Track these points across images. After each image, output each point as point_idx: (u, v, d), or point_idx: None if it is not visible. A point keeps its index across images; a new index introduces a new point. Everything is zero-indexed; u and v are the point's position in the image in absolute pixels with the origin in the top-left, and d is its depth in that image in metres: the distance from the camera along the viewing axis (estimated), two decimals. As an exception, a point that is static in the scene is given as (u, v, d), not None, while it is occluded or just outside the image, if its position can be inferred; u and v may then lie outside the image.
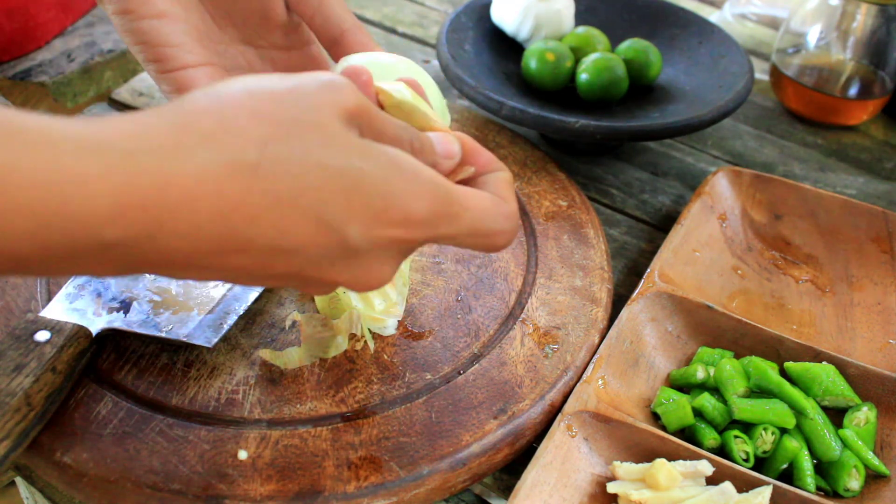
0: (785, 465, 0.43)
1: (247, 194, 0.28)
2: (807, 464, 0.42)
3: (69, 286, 0.46)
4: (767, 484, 0.40)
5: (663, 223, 0.62)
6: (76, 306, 0.44)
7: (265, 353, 0.44)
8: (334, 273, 0.31)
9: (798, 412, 0.43)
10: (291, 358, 0.44)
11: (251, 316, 0.47)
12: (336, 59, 0.44)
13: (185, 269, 0.29)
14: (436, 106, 0.41)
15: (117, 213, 0.26)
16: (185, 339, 0.44)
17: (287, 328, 0.46)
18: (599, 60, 0.65)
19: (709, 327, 0.49)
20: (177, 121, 0.28)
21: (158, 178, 0.26)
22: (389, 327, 0.47)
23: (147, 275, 0.47)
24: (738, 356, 0.48)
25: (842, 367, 0.46)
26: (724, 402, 0.45)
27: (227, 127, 0.28)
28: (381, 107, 0.37)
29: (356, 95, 0.31)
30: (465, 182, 0.36)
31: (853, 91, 0.72)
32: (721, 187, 0.59)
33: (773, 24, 0.91)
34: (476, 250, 0.36)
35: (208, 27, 0.43)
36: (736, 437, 0.43)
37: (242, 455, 0.39)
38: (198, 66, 0.41)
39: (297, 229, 0.29)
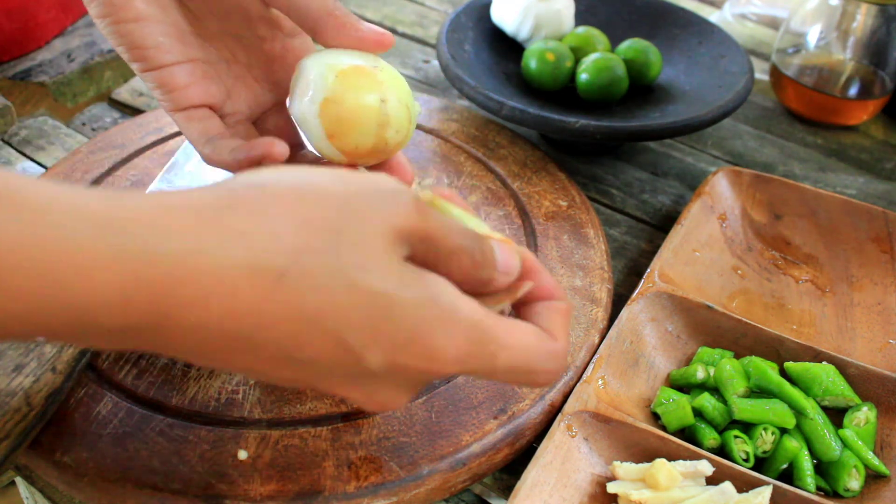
0: (785, 465, 0.43)
1: (264, 301, 0.26)
2: (807, 464, 0.42)
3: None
4: (767, 484, 0.40)
5: (663, 223, 0.62)
6: (76, 306, 0.44)
7: None
8: (345, 389, 0.30)
9: (798, 412, 0.43)
10: None
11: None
12: (324, 44, 0.43)
13: (190, 358, 0.28)
14: (403, 100, 0.41)
15: (122, 306, 0.25)
16: (185, 339, 0.44)
17: None
18: (599, 60, 0.65)
19: (709, 327, 0.49)
20: (209, 212, 0.26)
21: (174, 272, 0.25)
22: None
23: None
24: (738, 356, 0.48)
25: (842, 367, 0.46)
26: (724, 402, 0.45)
27: (263, 229, 0.26)
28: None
29: (416, 212, 0.29)
30: (519, 304, 0.34)
31: (853, 91, 0.72)
32: (721, 187, 0.59)
33: (773, 24, 0.91)
34: (514, 385, 0.34)
35: (188, 24, 0.43)
36: (736, 437, 0.43)
37: (242, 455, 0.39)
38: (175, 64, 0.41)
39: (313, 345, 0.28)
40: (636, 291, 0.50)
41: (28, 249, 0.23)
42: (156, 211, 0.25)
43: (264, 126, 0.45)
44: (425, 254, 0.30)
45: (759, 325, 0.48)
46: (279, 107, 0.46)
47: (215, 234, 0.26)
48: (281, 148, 0.39)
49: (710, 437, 0.43)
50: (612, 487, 0.41)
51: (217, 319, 0.26)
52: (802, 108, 0.74)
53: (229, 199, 0.27)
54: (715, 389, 0.46)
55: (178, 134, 0.61)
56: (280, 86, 0.46)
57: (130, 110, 0.69)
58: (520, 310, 0.35)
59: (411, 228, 0.29)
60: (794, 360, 0.47)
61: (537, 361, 0.32)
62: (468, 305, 0.30)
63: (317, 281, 0.27)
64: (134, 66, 0.41)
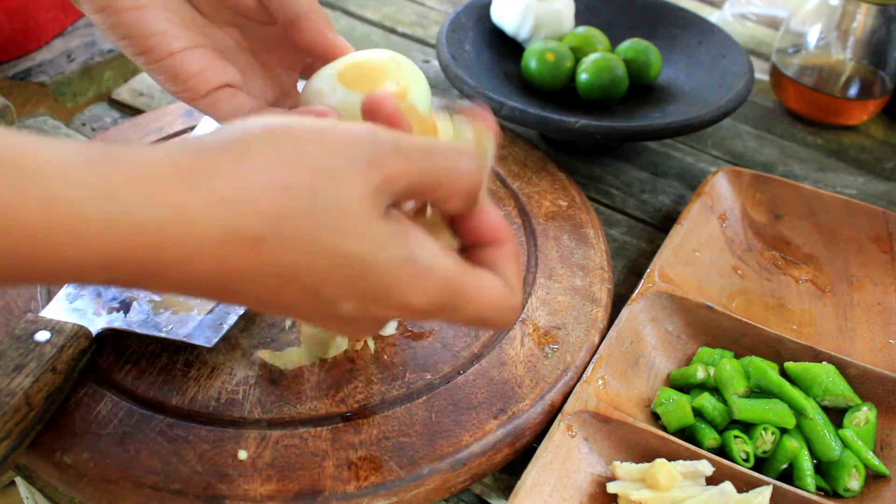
0: (785, 465, 0.43)
1: (244, 263, 0.28)
2: (807, 464, 0.42)
3: (69, 286, 0.46)
4: (767, 484, 0.40)
5: (663, 223, 0.62)
6: (76, 306, 0.44)
7: (265, 354, 0.44)
8: (321, 323, 0.35)
9: (798, 412, 0.43)
10: (291, 358, 0.44)
11: (251, 316, 0.47)
12: (297, 42, 0.42)
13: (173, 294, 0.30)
14: (423, 101, 0.41)
15: (109, 267, 0.26)
16: (185, 339, 0.44)
17: (287, 328, 0.46)
18: (599, 60, 0.65)
19: (709, 327, 0.49)
20: (193, 179, 0.27)
21: (158, 238, 0.26)
22: (389, 327, 0.47)
23: None
24: (738, 356, 0.48)
25: (842, 367, 0.46)
26: (724, 402, 0.45)
27: (243, 195, 0.27)
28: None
29: (394, 159, 0.30)
30: (472, 247, 0.35)
31: (853, 91, 0.72)
32: (721, 187, 0.59)
33: (773, 24, 0.91)
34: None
35: (190, 11, 0.42)
36: (736, 437, 0.43)
37: (242, 455, 0.39)
38: (186, 49, 0.40)
39: (291, 296, 0.29)
40: (636, 291, 0.50)
41: (21, 215, 0.24)
42: (143, 180, 0.26)
43: None
44: (408, 193, 0.31)
45: (759, 325, 0.48)
46: (282, 100, 0.46)
47: (198, 201, 0.27)
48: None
49: (710, 437, 0.43)
50: (612, 487, 0.41)
51: (198, 277, 0.28)
52: (802, 108, 0.74)
53: (212, 163, 0.28)
54: (715, 389, 0.46)
55: (178, 133, 0.61)
56: (281, 78, 0.46)
57: (130, 110, 0.69)
58: (473, 254, 0.35)
59: (391, 177, 0.30)
60: (794, 360, 0.47)
61: (497, 315, 0.34)
62: (443, 263, 0.31)
63: (294, 245, 0.28)
64: (140, 61, 0.40)
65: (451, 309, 0.32)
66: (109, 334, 0.44)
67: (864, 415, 0.45)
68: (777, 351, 0.48)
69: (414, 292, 0.30)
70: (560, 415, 0.42)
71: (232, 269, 0.28)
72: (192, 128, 0.61)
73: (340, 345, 0.45)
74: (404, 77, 0.40)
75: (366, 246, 0.29)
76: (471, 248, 0.35)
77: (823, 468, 0.43)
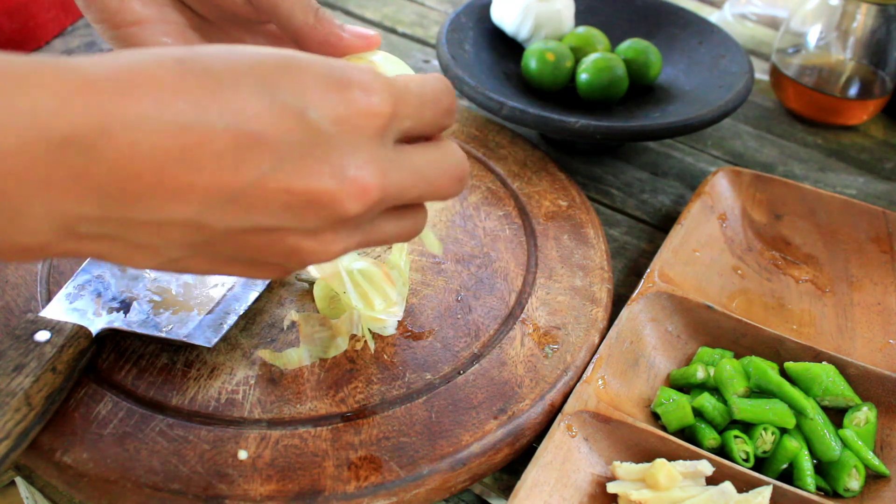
0: (785, 465, 0.43)
1: (181, 80, 0.26)
2: (807, 464, 0.42)
3: (69, 286, 0.46)
4: (767, 484, 0.40)
5: (663, 223, 0.62)
6: (76, 306, 0.44)
7: (265, 354, 0.44)
8: (312, 173, 0.28)
9: (798, 412, 0.43)
10: (291, 359, 0.44)
11: (251, 316, 0.47)
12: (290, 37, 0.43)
13: (148, 193, 0.26)
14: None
15: (64, 105, 0.25)
16: (185, 339, 0.44)
17: (286, 328, 0.46)
18: (599, 60, 0.65)
19: (709, 327, 0.49)
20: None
21: (94, 72, 0.26)
22: (389, 327, 0.47)
23: (147, 275, 0.47)
24: (738, 356, 0.48)
25: (842, 367, 0.46)
26: (724, 402, 0.45)
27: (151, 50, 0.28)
28: None
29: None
30: None
31: (853, 91, 0.72)
32: (721, 187, 0.59)
33: (773, 24, 0.91)
34: (440, 126, 0.33)
35: (188, 19, 0.42)
36: (736, 437, 0.43)
37: (242, 455, 0.39)
38: None
39: (251, 109, 0.27)
40: (636, 291, 0.50)
41: None
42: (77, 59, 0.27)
43: None
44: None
45: (759, 325, 0.48)
46: None
47: (118, 54, 0.27)
48: None
49: (710, 437, 0.43)
50: (612, 487, 0.41)
51: (154, 110, 0.26)
52: (802, 108, 0.74)
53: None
54: (715, 389, 0.46)
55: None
56: None
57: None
58: None
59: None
60: (794, 360, 0.47)
61: (437, 81, 0.33)
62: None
63: (216, 55, 0.28)
64: None
65: (401, 90, 0.31)
66: (109, 334, 0.44)
67: (864, 415, 0.45)
68: (777, 351, 0.48)
69: (353, 69, 0.29)
70: (560, 415, 0.42)
71: (176, 89, 0.26)
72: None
73: (340, 345, 0.45)
74: None
75: (281, 52, 0.29)
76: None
77: (823, 468, 0.43)
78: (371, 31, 0.42)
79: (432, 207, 0.56)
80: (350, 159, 0.29)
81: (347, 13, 0.89)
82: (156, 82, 0.26)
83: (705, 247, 0.56)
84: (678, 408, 0.44)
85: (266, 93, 0.27)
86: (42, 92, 0.25)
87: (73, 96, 0.25)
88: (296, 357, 0.44)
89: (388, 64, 0.42)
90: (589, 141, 0.67)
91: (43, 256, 0.28)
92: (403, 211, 0.34)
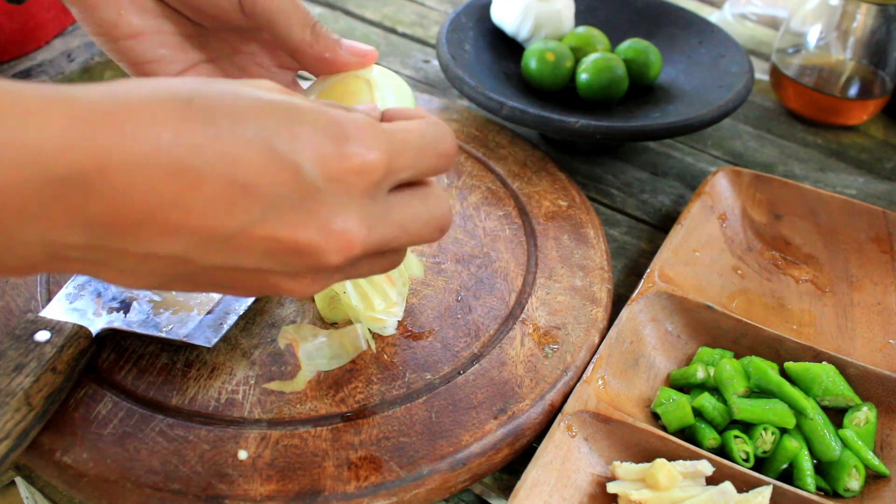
0: (785, 465, 0.43)
1: (183, 121, 0.26)
2: (807, 464, 0.42)
3: (69, 286, 0.46)
4: (767, 484, 0.40)
5: (663, 223, 0.62)
6: (76, 306, 0.44)
7: (274, 385, 0.43)
8: (299, 224, 0.28)
9: (798, 412, 0.43)
10: (298, 383, 0.43)
11: (251, 316, 0.47)
12: (306, 70, 0.44)
13: (140, 227, 0.26)
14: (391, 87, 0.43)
15: (68, 142, 0.25)
16: (185, 339, 0.44)
17: (283, 348, 0.45)
18: (599, 60, 0.65)
19: (709, 327, 0.49)
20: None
21: (100, 107, 0.25)
22: (389, 327, 0.47)
23: None
24: (738, 356, 0.48)
25: (842, 367, 0.46)
26: (724, 402, 0.45)
27: (159, 82, 0.28)
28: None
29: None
30: None
31: (853, 91, 0.72)
32: (721, 187, 0.59)
33: (773, 24, 0.91)
34: (437, 170, 0.33)
35: (184, 32, 0.43)
36: (736, 437, 0.43)
37: (242, 455, 0.39)
38: (181, 73, 0.42)
39: (246, 158, 0.27)
40: (636, 291, 0.50)
41: None
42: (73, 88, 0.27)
43: None
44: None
45: (759, 325, 0.48)
46: None
47: (122, 86, 0.27)
48: None
49: (710, 437, 0.43)
50: (612, 487, 0.41)
51: (152, 150, 0.26)
52: (802, 108, 0.74)
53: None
54: (715, 389, 0.46)
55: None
56: (276, 77, 0.47)
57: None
58: None
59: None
60: (794, 360, 0.47)
61: (437, 130, 0.33)
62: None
63: (222, 100, 0.27)
64: (134, 76, 0.42)
65: (399, 141, 0.31)
66: (109, 334, 0.44)
67: (864, 415, 0.45)
68: (777, 351, 0.48)
69: (352, 124, 0.29)
70: (560, 415, 0.42)
71: (176, 131, 0.26)
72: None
73: (343, 356, 0.44)
74: (377, 99, 0.41)
75: (292, 97, 0.29)
76: None
77: (823, 468, 0.43)
78: (368, 47, 0.42)
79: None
80: (338, 215, 0.29)
81: (347, 13, 0.89)
82: (158, 122, 0.26)
83: (705, 247, 0.56)
84: (678, 408, 0.44)
85: (264, 142, 0.27)
86: (48, 129, 0.25)
87: (77, 134, 0.25)
88: (302, 380, 0.43)
89: (385, 79, 0.42)
90: (589, 141, 0.67)
91: (28, 274, 0.28)
92: (383, 253, 0.34)
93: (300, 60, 0.42)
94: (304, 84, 0.45)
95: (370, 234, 0.30)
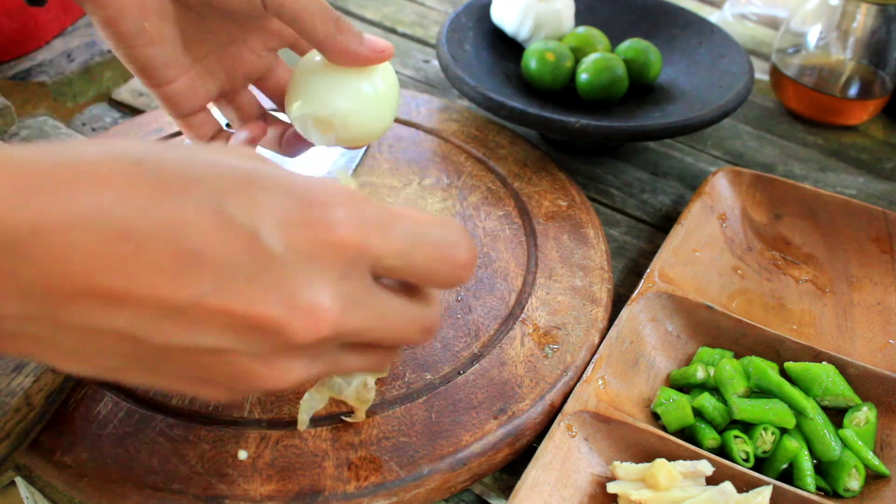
0: (785, 465, 0.43)
1: (131, 182, 0.24)
2: (807, 464, 0.42)
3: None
4: (767, 484, 0.40)
5: (663, 223, 0.62)
6: (76, 306, 0.44)
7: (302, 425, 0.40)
8: (263, 299, 0.26)
9: (798, 412, 0.43)
10: (313, 405, 0.40)
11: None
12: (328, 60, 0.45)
13: (80, 295, 0.24)
14: (391, 99, 0.45)
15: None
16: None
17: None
18: (599, 60, 0.65)
19: (709, 327, 0.49)
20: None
21: (41, 167, 0.24)
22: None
23: None
24: (738, 356, 0.48)
25: (842, 367, 0.46)
26: (724, 402, 0.45)
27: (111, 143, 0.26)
28: None
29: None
30: None
31: (853, 91, 0.72)
32: (721, 187, 0.59)
33: (773, 24, 0.91)
34: (441, 278, 0.30)
35: (184, 34, 0.44)
36: (736, 437, 0.43)
37: (242, 455, 0.39)
38: (177, 79, 0.44)
39: (195, 223, 0.25)
40: (636, 291, 0.50)
41: None
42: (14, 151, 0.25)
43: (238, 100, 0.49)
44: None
45: (759, 325, 0.48)
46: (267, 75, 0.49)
47: (70, 148, 0.25)
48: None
49: (710, 437, 0.43)
50: (612, 487, 0.41)
51: (87, 211, 0.24)
52: (802, 108, 0.74)
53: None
54: (715, 389, 0.46)
55: (178, 133, 0.61)
56: (263, 56, 0.48)
57: (130, 110, 0.69)
58: None
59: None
60: (794, 360, 0.47)
61: (444, 228, 0.30)
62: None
63: (173, 160, 0.26)
64: (140, 80, 0.44)
65: (385, 226, 0.28)
66: (109, 334, 0.44)
67: (864, 415, 0.45)
68: (777, 351, 0.48)
69: (319, 190, 0.27)
70: (560, 415, 0.42)
71: (121, 189, 0.24)
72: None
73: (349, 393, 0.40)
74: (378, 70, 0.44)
75: (248, 160, 0.27)
76: None
77: (823, 468, 0.43)
78: (386, 43, 0.44)
79: (431, 209, 0.57)
80: (306, 288, 0.26)
81: (347, 13, 0.89)
82: (102, 182, 0.24)
83: (705, 247, 0.56)
84: (678, 408, 0.44)
85: (216, 207, 0.25)
86: None
87: (10, 195, 0.23)
88: (307, 417, 0.40)
89: (388, 77, 0.45)
90: (589, 141, 0.67)
91: None
92: (370, 348, 0.31)
93: (324, 52, 0.43)
94: (289, 61, 0.46)
95: (343, 314, 0.27)
